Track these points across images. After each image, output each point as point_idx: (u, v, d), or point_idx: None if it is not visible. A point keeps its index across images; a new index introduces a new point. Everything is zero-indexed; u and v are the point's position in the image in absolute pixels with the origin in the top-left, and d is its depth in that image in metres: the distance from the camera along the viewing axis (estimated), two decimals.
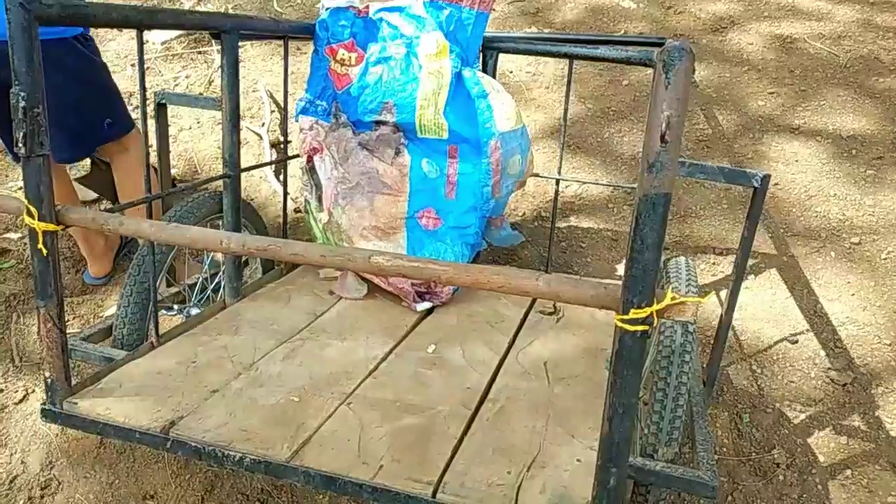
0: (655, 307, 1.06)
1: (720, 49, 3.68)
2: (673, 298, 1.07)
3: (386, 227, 2.24)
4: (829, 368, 2.35)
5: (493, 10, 3.99)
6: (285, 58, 2.34)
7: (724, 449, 2.21)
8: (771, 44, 3.67)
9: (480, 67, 2.37)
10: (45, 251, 1.42)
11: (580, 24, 3.93)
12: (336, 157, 2.28)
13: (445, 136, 2.23)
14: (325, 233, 2.35)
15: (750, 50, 3.65)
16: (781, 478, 2.12)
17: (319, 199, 2.33)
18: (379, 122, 2.29)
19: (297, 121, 2.39)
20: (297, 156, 2.67)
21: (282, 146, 3.18)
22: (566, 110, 2.39)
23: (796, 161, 3.05)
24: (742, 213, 2.90)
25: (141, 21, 1.64)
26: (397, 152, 2.26)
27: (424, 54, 2.25)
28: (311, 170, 2.34)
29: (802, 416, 2.25)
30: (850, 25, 3.74)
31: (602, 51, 2.34)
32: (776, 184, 2.95)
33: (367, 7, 2.37)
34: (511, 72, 3.69)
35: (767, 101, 3.35)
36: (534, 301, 2.24)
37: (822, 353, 2.40)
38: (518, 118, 2.33)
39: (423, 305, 2.17)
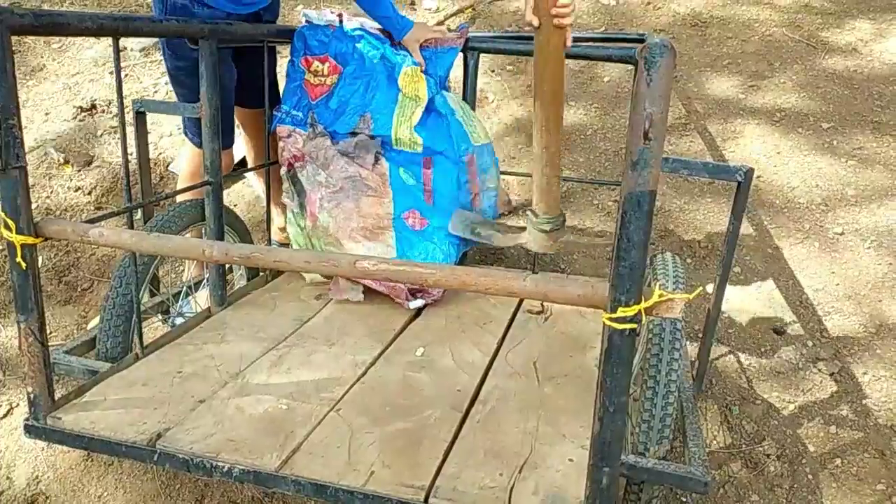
0: (643, 305, 1.06)
1: (700, 43, 3.69)
2: (660, 296, 1.06)
3: (374, 227, 2.23)
4: (817, 359, 2.36)
5: (474, 9, 3.99)
6: (264, 63, 2.32)
7: (715, 442, 2.21)
8: (750, 37, 3.69)
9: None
10: (24, 265, 1.40)
11: None
12: (318, 163, 2.28)
13: (420, 150, 2.30)
14: (309, 239, 2.34)
15: (729, 43, 3.66)
16: (772, 469, 2.13)
17: (302, 206, 2.32)
18: (354, 133, 2.35)
19: (272, 129, 2.40)
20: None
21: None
22: None
23: (778, 153, 3.06)
24: (726, 204, 2.91)
25: (116, 29, 1.62)
26: (376, 160, 2.30)
27: (402, 82, 2.32)
28: (292, 177, 2.33)
29: (791, 407, 2.26)
30: (827, 17, 3.77)
31: (583, 49, 2.34)
32: (759, 176, 2.96)
33: (342, 15, 2.40)
34: (493, 70, 3.69)
35: (748, 93, 3.36)
36: (521, 301, 2.23)
37: (809, 343, 2.41)
38: (486, 134, 2.46)
39: (417, 303, 2.17)
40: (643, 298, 1.06)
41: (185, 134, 2.48)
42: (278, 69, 2.74)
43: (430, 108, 2.33)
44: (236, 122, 2.60)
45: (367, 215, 2.23)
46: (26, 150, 3.15)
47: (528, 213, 2.20)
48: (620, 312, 1.05)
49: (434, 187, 2.32)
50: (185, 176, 2.54)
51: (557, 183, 2.14)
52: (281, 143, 2.35)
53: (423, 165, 2.34)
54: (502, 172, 3.00)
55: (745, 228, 2.78)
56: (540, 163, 2.07)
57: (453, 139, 2.32)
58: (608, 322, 1.07)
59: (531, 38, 2.41)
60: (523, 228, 2.24)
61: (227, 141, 2.38)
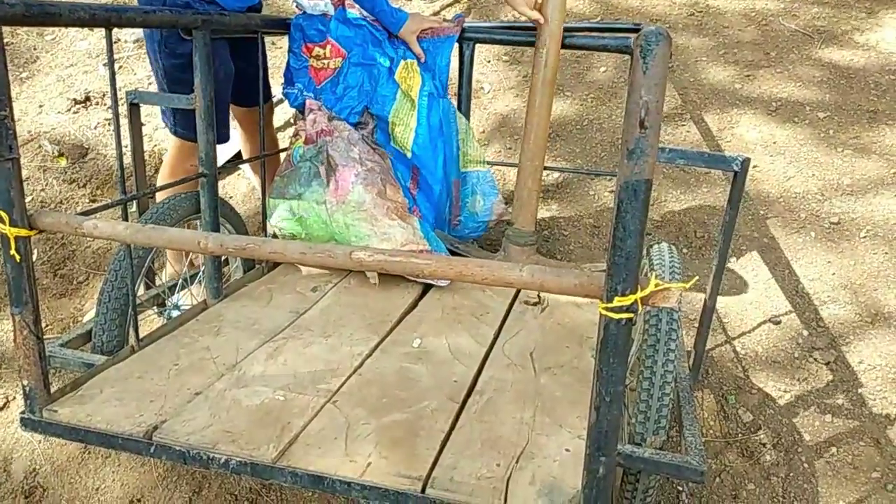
0: (639, 294, 1.06)
1: (696, 33, 3.68)
2: (657, 285, 1.06)
3: (401, 209, 2.26)
4: (813, 348, 2.37)
5: None
6: (259, 53, 2.31)
7: (711, 431, 2.22)
8: (746, 26, 3.68)
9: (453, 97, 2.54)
10: (17, 257, 1.39)
11: None
12: (347, 141, 2.31)
13: (409, 155, 2.36)
14: (330, 216, 2.28)
15: (726, 33, 3.65)
16: (768, 458, 2.13)
17: (325, 182, 2.27)
18: (358, 124, 2.40)
19: (294, 107, 2.46)
20: (277, 151, 2.66)
21: None
22: None
23: (774, 142, 3.06)
24: (721, 193, 2.91)
25: (109, 20, 1.61)
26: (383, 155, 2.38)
27: (399, 77, 2.37)
28: (316, 152, 2.31)
29: (787, 396, 2.27)
30: (824, 6, 3.76)
31: (579, 39, 2.34)
32: (755, 166, 2.96)
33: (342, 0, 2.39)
34: (489, 61, 3.68)
35: (744, 83, 3.36)
36: (518, 291, 2.23)
37: (805, 332, 2.41)
38: (482, 161, 2.52)
39: (444, 281, 2.22)
40: (639, 288, 1.06)
41: (175, 132, 2.41)
42: (271, 62, 2.73)
43: (430, 118, 2.36)
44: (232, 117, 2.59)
45: (393, 198, 2.26)
46: (20, 142, 3.13)
47: (506, 224, 2.44)
48: (617, 302, 1.05)
49: (417, 196, 2.40)
50: (166, 173, 2.49)
51: (536, 198, 2.40)
52: (311, 116, 2.36)
53: (411, 172, 2.40)
54: (495, 163, 3.01)
55: (741, 218, 2.78)
56: (524, 173, 2.28)
57: (446, 160, 2.39)
58: (604, 311, 1.07)
59: (527, 29, 2.42)
60: (496, 251, 2.48)
61: (222, 135, 2.36)
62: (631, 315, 1.06)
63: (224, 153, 3.23)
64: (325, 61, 2.39)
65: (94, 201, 3.20)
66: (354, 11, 2.41)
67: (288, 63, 2.45)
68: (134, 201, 2.12)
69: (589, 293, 1.11)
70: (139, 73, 3.77)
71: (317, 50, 2.38)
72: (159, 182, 2.53)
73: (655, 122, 0.98)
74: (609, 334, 1.08)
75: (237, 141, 3.24)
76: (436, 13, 3.91)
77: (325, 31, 2.38)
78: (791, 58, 3.45)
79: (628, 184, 1.01)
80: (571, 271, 1.14)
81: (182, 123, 2.36)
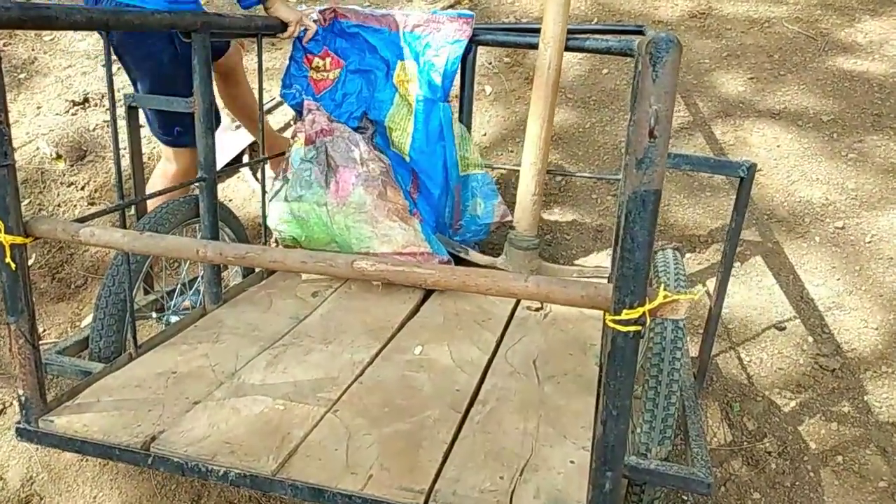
0: (648, 307, 1.03)
1: (699, 35, 3.66)
2: (665, 297, 1.04)
3: (402, 211, 2.24)
4: (818, 354, 2.34)
5: (470, 0, 3.95)
6: (259, 55, 2.29)
7: (716, 439, 2.19)
8: (749, 28, 3.65)
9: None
10: (13, 265, 1.37)
11: None
12: (349, 141, 2.30)
13: (408, 159, 2.37)
14: (331, 218, 2.25)
15: (729, 35, 3.63)
16: (773, 466, 2.11)
17: (325, 183, 2.25)
18: (357, 129, 2.40)
19: (292, 105, 2.47)
20: (275, 155, 2.63)
21: (258, 145, 3.12)
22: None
23: (778, 146, 3.04)
24: (724, 198, 2.88)
25: (106, 22, 1.58)
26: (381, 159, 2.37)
27: (397, 80, 2.38)
28: (316, 153, 2.28)
29: (792, 404, 2.24)
30: (827, 9, 3.74)
31: (581, 41, 2.31)
32: (759, 170, 2.93)
33: (333, 13, 2.41)
34: (490, 63, 3.65)
35: (747, 86, 3.33)
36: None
37: (810, 338, 2.39)
38: (480, 165, 2.53)
39: None
40: (647, 300, 1.03)
41: (175, 141, 2.36)
42: (272, 63, 2.71)
43: (428, 123, 2.36)
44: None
45: (394, 201, 2.25)
46: (18, 144, 3.10)
47: (509, 229, 2.43)
48: (625, 315, 1.03)
49: (418, 199, 2.39)
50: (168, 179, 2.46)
51: (539, 202, 2.38)
52: (310, 116, 2.35)
53: (411, 176, 2.40)
54: (497, 167, 2.99)
55: (745, 223, 2.76)
56: (526, 177, 2.26)
57: (445, 165, 2.39)
58: (612, 324, 1.04)
59: (530, 31, 2.40)
60: (499, 254, 2.47)
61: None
62: (639, 328, 1.04)
63: (225, 154, 3.21)
64: (325, 73, 2.43)
65: (92, 204, 3.18)
66: (348, 20, 2.43)
67: (288, 69, 2.45)
68: (132, 206, 2.09)
69: (596, 305, 1.08)
70: None
71: (316, 61, 2.44)
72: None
73: (665, 131, 0.96)
74: (616, 347, 1.06)
75: (242, 140, 3.25)
76: None
77: (323, 41, 2.41)
78: (794, 60, 3.42)
79: (637, 194, 0.98)
80: (578, 282, 1.11)
81: (184, 130, 2.30)
